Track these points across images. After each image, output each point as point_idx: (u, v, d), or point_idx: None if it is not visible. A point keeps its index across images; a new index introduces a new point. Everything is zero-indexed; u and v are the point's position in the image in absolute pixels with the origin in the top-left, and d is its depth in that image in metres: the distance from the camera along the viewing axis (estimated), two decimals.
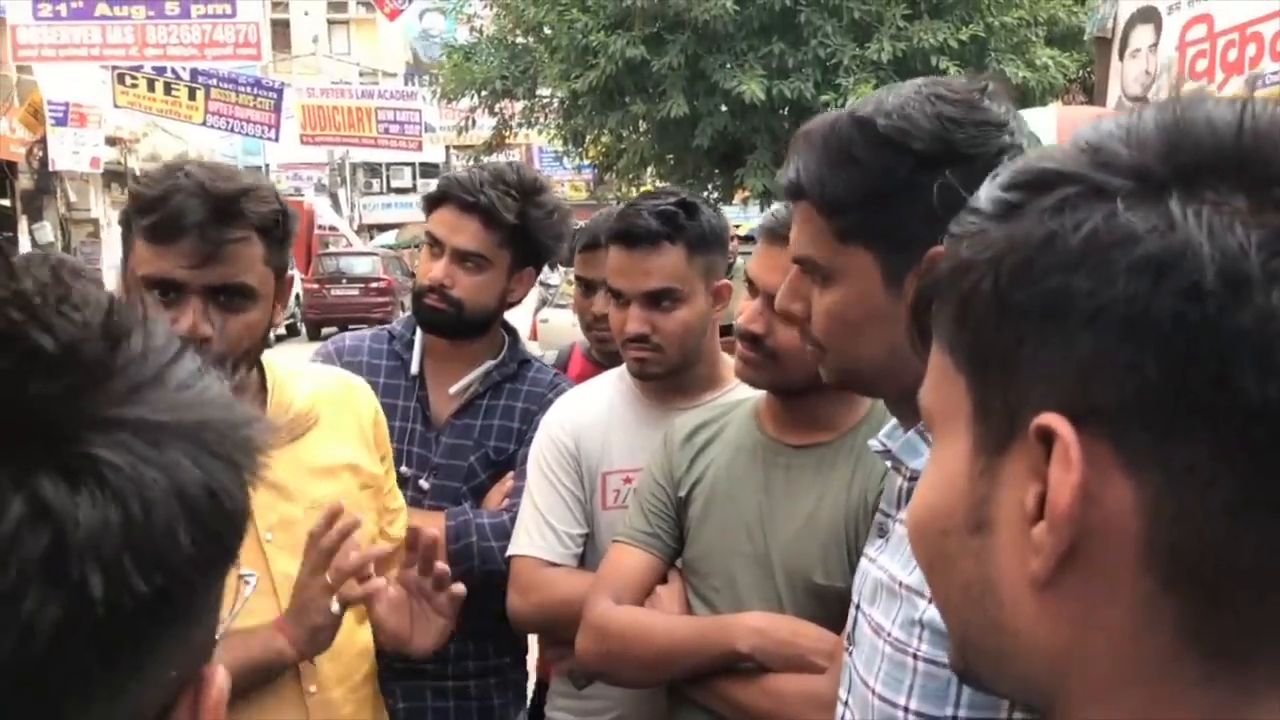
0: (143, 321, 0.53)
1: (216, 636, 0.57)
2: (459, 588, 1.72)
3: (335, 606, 1.61)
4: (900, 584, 1.16)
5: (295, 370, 1.87)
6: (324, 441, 1.80)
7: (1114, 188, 0.53)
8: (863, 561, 1.29)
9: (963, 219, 0.61)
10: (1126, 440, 0.52)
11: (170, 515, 0.49)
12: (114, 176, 21.86)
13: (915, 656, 1.12)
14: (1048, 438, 0.53)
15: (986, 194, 0.60)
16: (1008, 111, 1.15)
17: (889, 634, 1.16)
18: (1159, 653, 0.53)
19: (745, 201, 16.60)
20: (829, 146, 1.15)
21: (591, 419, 2.09)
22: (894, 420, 1.22)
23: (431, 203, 2.28)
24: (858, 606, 1.26)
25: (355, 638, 1.81)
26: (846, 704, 1.24)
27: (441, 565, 1.72)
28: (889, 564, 1.20)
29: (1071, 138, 0.58)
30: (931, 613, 1.10)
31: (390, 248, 28.55)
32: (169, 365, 0.53)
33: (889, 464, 1.22)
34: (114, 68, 15.47)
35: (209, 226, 1.58)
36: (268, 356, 1.79)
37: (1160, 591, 0.52)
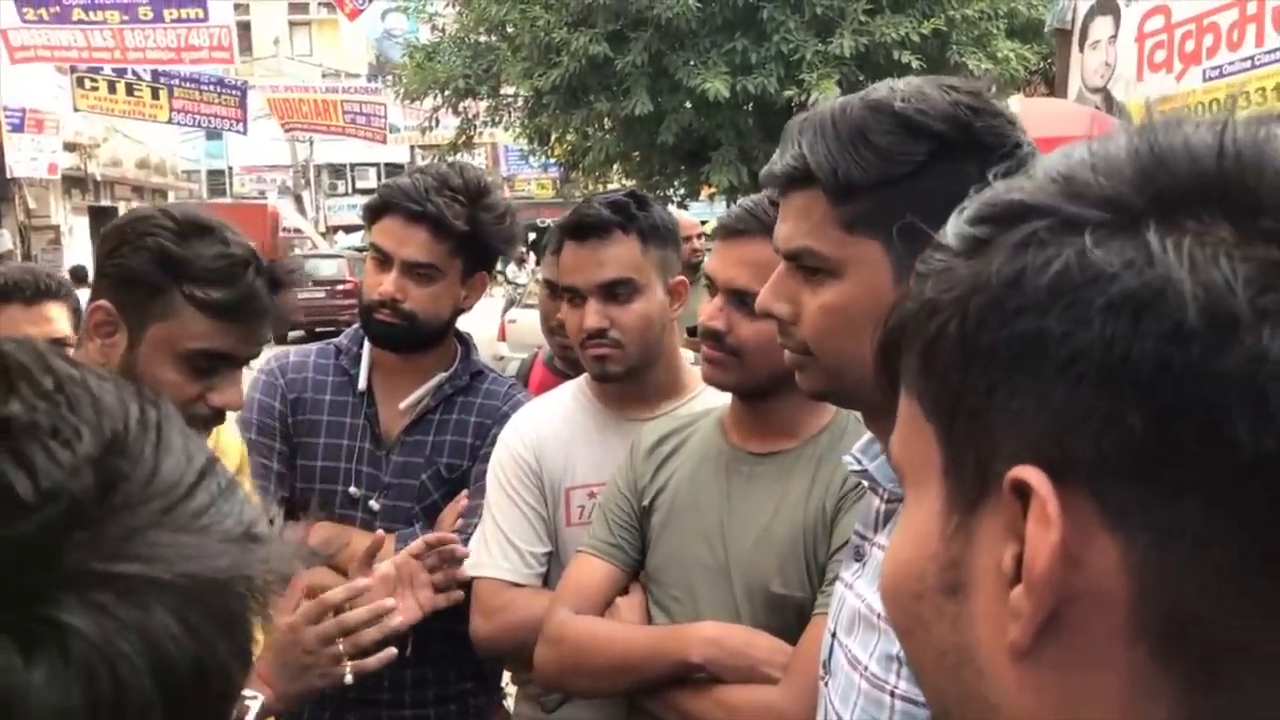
0: (155, 444, 0.46)
1: None
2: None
3: (349, 678, 1.49)
4: (879, 616, 1.10)
5: None
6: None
7: (1086, 220, 0.49)
8: (839, 587, 1.24)
9: (928, 256, 0.57)
10: (1109, 496, 0.47)
11: (145, 699, 0.42)
12: (74, 182, 21.61)
13: (893, 694, 1.07)
14: (1024, 493, 0.49)
15: (953, 229, 0.56)
16: (1013, 113, 1.11)
17: (866, 668, 1.11)
18: None
19: (711, 198, 16.58)
20: (840, 130, 1.08)
21: (552, 433, 2.03)
22: (868, 435, 1.17)
23: (374, 213, 2.17)
24: (834, 634, 1.21)
25: None
26: None
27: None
28: (866, 592, 1.14)
29: (1042, 167, 0.54)
30: None
31: (356, 249, 28.33)
32: (179, 502, 0.46)
33: (865, 484, 1.16)
34: (72, 70, 15.29)
35: (272, 306, 1.63)
36: None
37: (1153, 663, 0.48)
